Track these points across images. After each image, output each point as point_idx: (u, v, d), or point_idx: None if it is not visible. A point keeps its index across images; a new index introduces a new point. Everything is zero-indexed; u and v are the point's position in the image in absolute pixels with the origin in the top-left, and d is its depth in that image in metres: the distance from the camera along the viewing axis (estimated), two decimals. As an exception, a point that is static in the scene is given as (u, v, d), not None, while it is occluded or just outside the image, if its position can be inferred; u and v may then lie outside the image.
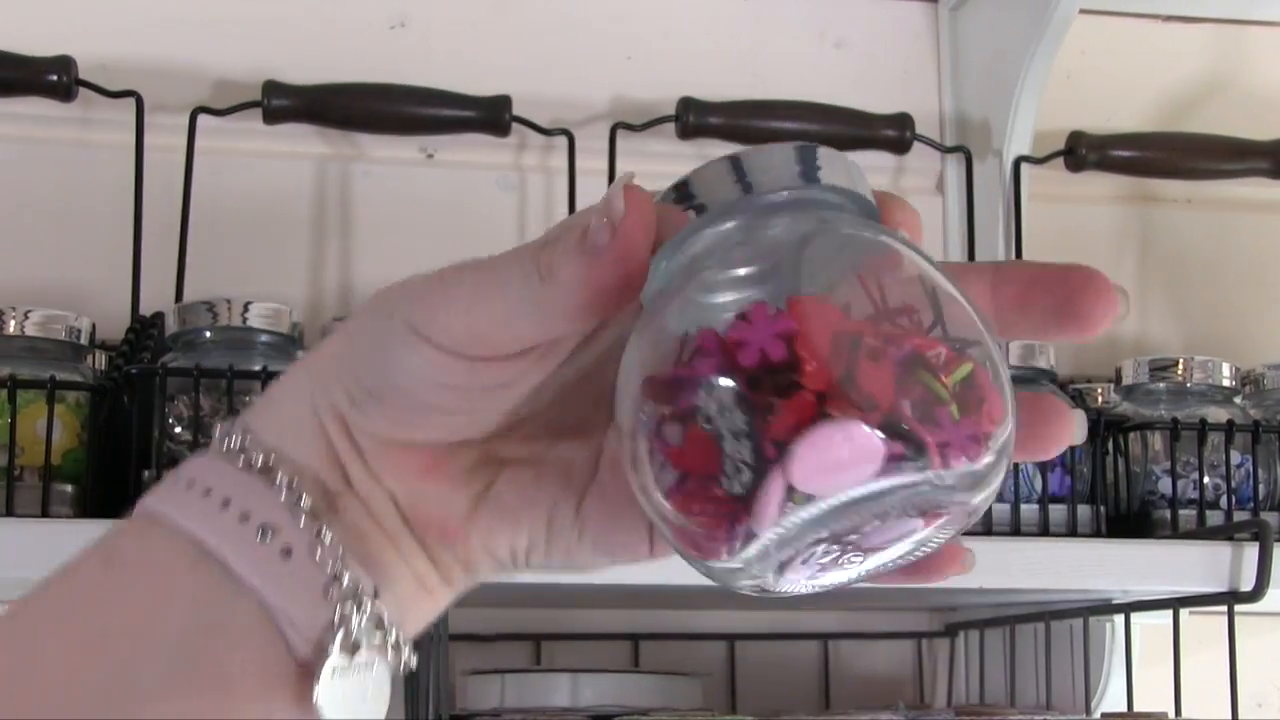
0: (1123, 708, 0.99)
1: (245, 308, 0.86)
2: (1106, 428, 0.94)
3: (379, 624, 0.40)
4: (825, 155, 0.37)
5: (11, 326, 0.85)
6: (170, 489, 0.39)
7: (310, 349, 0.44)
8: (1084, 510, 0.92)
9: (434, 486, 0.41)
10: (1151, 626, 1.00)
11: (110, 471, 0.84)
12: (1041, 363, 0.95)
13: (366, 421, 0.39)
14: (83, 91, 1.03)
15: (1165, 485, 0.95)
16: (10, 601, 0.39)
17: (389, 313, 0.39)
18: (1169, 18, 1.28)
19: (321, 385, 0.40)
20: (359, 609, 0.39)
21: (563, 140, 1.09)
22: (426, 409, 0.39)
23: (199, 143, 1.04)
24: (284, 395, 0.40)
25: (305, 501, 0.39)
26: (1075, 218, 1.24)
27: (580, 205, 1.07)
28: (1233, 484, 0.95)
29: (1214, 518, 0.94)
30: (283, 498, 0.38)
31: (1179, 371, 0.97)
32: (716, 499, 0.35)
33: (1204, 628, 0.98)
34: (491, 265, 0.38)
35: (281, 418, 0.40)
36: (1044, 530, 0.91)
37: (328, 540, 0.38)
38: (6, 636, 0.37)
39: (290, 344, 0.88)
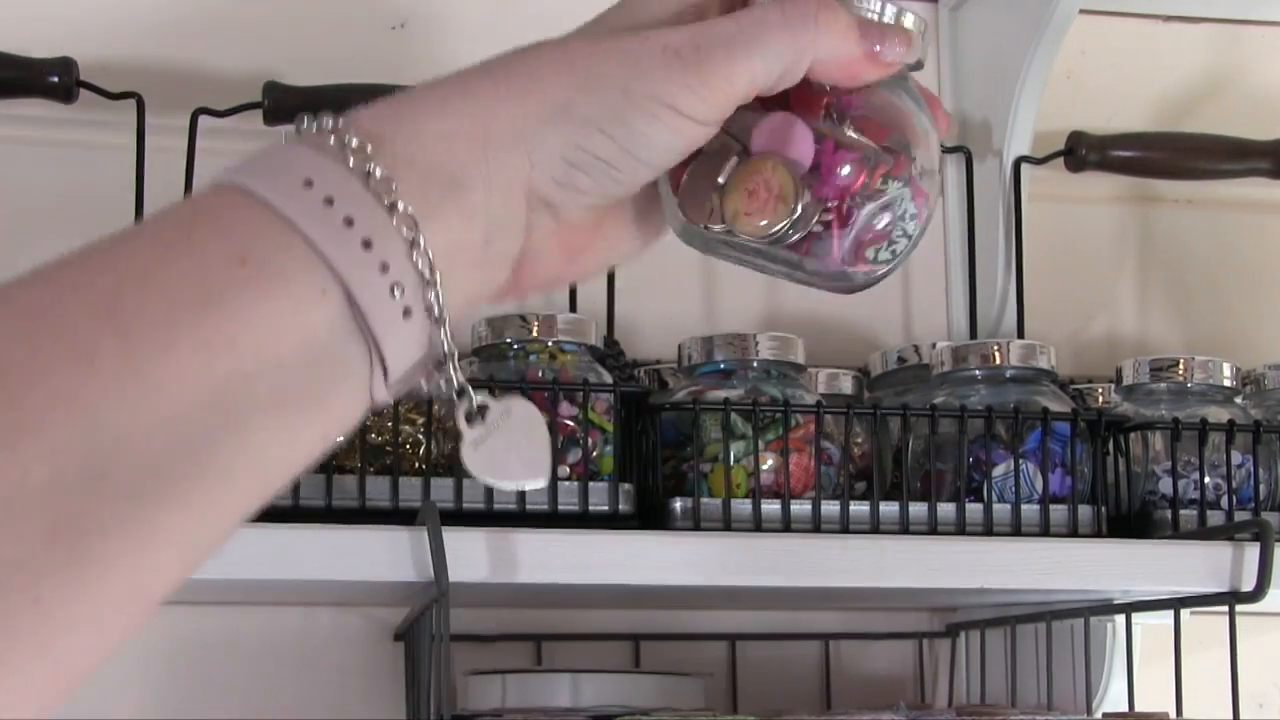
0: (1124, 708, 0.99)
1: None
2: (1107, 428, 0.94)
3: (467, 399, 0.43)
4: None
5: (12, 328, 0.86)
6: (293, 193, 0.39)
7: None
8: (1085, 510, 0.92)
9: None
10: (1152, 626, 1.00)
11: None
12: (1042, 363, 0.95)
13: (561, 189, 0.43)
14: (83, 93, 1.03)
15: (1166, 485, 0.95)
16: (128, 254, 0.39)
17: (622, 88, 0.43)
18: (1169, 18, 1.28)
19: (513, 144, 0.42)
20: (459, 393, 0.42)
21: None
22: (643, 174, 0.44)
23: (200, 144, 1.04)
24: (438, 137, 0.42)
25: (424, 264, 0.40)
26: (1075, 218, 1.24)
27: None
28: (1234, 484, 0.95)
29: (1215, 518, 0.94)
30: (408, 256, 0.40)
31: (1180, 371, 0.98)
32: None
33: (1205, 628, 0.98)
34: (735, 33, 0.44)
35: (432, 162, 0.41)
36: (1045, 530, 0.91)
37: (437, 309, 0.40)
38: (135, 306, 0.37)
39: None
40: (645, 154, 0.44)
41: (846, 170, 0.49)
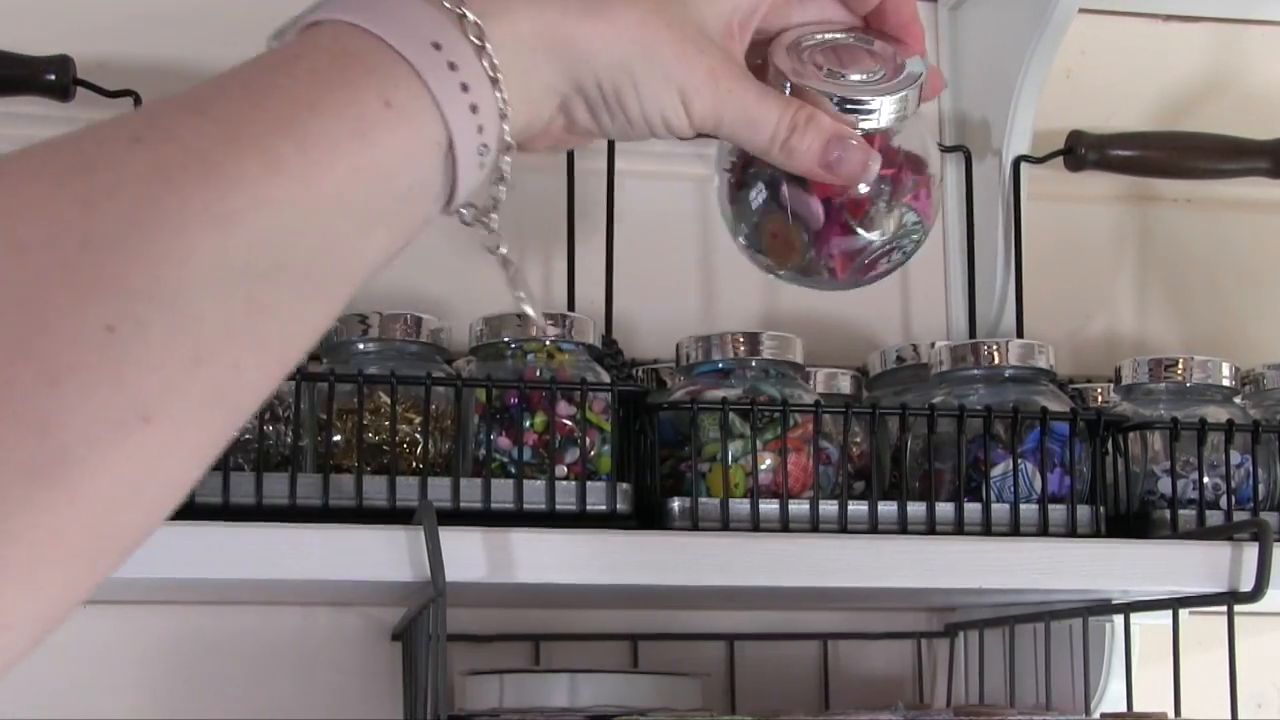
0: (1122, 708, 0.99)
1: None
2: (1106, 427, 0.94)
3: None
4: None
5: (9, 327, 0.85)
6: (433, 64, 0.48)
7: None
8: (1083, 510, 0.92)
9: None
10: (1151, 626, 1.00)
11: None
12: (1041, 362, 0.95)
13: (587, 114, 0.56)
14: (81, 91, 1.03)
15: (1165, 485, 0.94)
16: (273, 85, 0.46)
17: (664, 75, 0.55)
18: (1169, 17, 1.28)
19: (578, 71, 0.54)
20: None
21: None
22: (637, 136, 0.57)
23: (197, 142, 1.04)
24: (524, 41, 0.52)
25: (508, 130, 0.51)
26: (1075, 217, 1.24)
27: (579, 205, 1.07)
28: (1232, 484, 0.94)
29: (1214, 518, 0.94)
30: (500, 98, 0.50)
31: (1179, 371, 0.97)
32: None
33: (1204, 628, 0.98)
34: (750, 101, 0.57)
35: (517, 53, 0.52)
36: (1043, 530, 0.91)
37: (504, 108, 0.51)
38: (306, 128, 0.45)
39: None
40: (651, 123, 0.56)
41: (848, 241, 0.62)
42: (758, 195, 0.63)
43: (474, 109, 0.50)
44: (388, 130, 0.47)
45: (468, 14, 0.50)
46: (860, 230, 0.62)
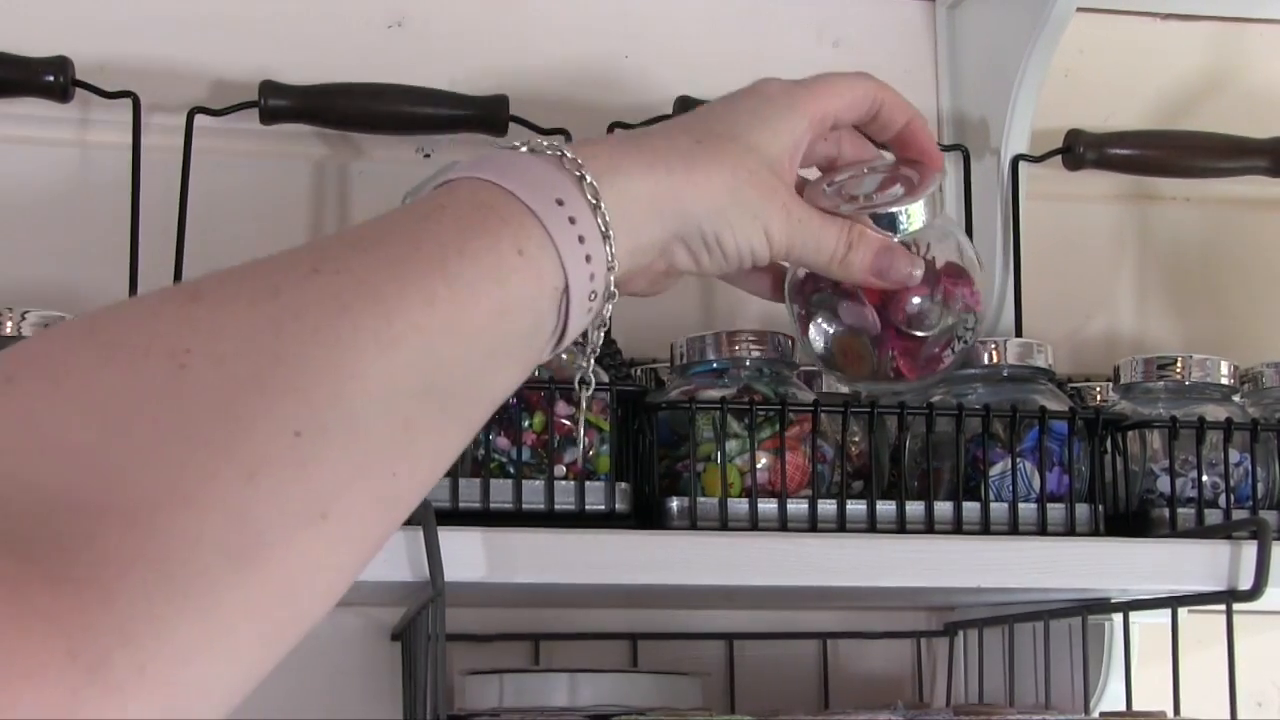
0: (1121, 707, 0.99)
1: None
2: (1105, 426, 0.94)
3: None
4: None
5: (9, 327, 0.86)
6: (557, 219, 0.55)
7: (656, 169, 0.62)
8: (1082, 509, 0.92)
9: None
10: (1150, 625, 1.00)
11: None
12: (1040, 361, 0.95)
13: (686, 256, 0.63)
14: (80, 92, 1.03)
15: (1164, 484, 0.94)
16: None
17: (753, 215, 0.64)
18: (1167, 16, 1.28)
19: (681, 225, 0.62)
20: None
21: (560, 139, 1.09)
22: (732, 267, 0.65)
23: (196, 143, 1.04)
24: (635, 201, 0.59)
25: (613, 280, 0.58)
26: (1073, 216, 1.24)
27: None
28: (1231, 482, 0.94)
29: (1212, 516, 0.94)
30: (609, 250, 0.57)
31: (1177, 370, 0.97)
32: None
33: (1203, 627, 0.98)
34: (815, 226, 0.66)
35: (628, 211, 0.59)
36: (1042, 529, 0.91)
37: (612, 261, 0.58)
38: (456, 270, 0.51)
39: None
40: (742, 256, 0.65)
41: (905, 343, 0.72)
42: (824, 320, 0.73)
43: (588, 259, 0.56)
44: (519, 277, 0.53)
45: (586, 175, 0.57)
46: (914, 330, 0.72)
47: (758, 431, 0.87)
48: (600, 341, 0.61)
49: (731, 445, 0.87)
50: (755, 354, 0.91)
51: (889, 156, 0.75)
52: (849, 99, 0.70)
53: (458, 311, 0.50)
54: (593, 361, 0.63)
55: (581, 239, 0.56)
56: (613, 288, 0.58)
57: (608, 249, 0.57)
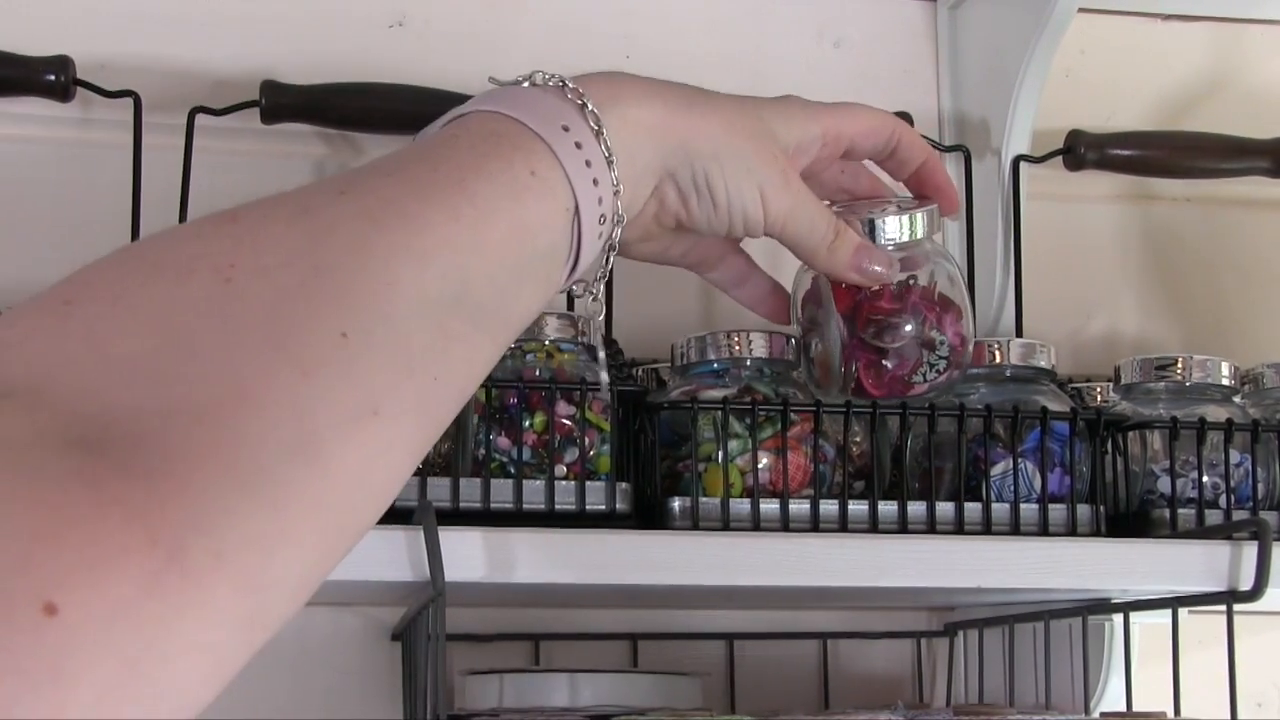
0: (1122, 707, 0.99)
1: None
2: (1105, 427, 0.94)
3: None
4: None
5: (9, 326, 0.85)
6: (564, 143, 0.58)
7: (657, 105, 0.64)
8: (1083, 510, 0.92)
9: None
10: (1150, 626, 1.00)
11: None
12: (1042, 361, 0.95)
13: (676, 198, 0.66)
14: (81, 91, 1.03)
15: (1164, 484, 0.94)
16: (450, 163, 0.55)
17: (748, 169, 0.66)
18: (1168, 16, 1.28)
19: (674, 158, 0.64)
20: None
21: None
22: (719, 226, 0.68)
23: (197, 142, 1.04)
24: (633, 127, 0.62)
25: (620, 205, 0.61)
26: (1074, 217, 1.24)
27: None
28: (1232, 483, 0.94)
29: (1213, 517, 0.94)
30: (614, 174, 0.60)
31: (1178, 370, 0.97)
32: None
33: (1203, 627, 0.98)
34: (812, 206, 0.69)
35: (626, 138, 0.61)
36: (1043, 530, 0.91)
37: (619, 206, 0.61)
38: (475, 189, 0.54)
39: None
40: (732, 211, 0.67)
41: (869, 358, 0.74)
42: (810, 336, 0.77)
43: (595, 183, 0.59)
44: (534, 196, 0.56)
45: (588, 104, 0.60)
46: (877, 342, 0.74)
47: (759, 431, 0.87)
48: (609, 268, 0.63)
49: (733, 445, 0.87)
50: (756, 354, 0.91)
51: (906, 194, 0.77)
52: (866, 126, 0.73)
53: (481, 226, 0.53)
54: (601, 288, 0.65)
55: (588, 163, 0.59)
56: (620, 210, 0.61)
57: (612, 173, 0.60)
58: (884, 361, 0.74)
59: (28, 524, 0.36)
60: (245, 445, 0.42)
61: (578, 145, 0.59)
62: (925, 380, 0.74)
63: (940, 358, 0.74)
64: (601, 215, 0.60)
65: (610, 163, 0.60)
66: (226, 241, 0.48)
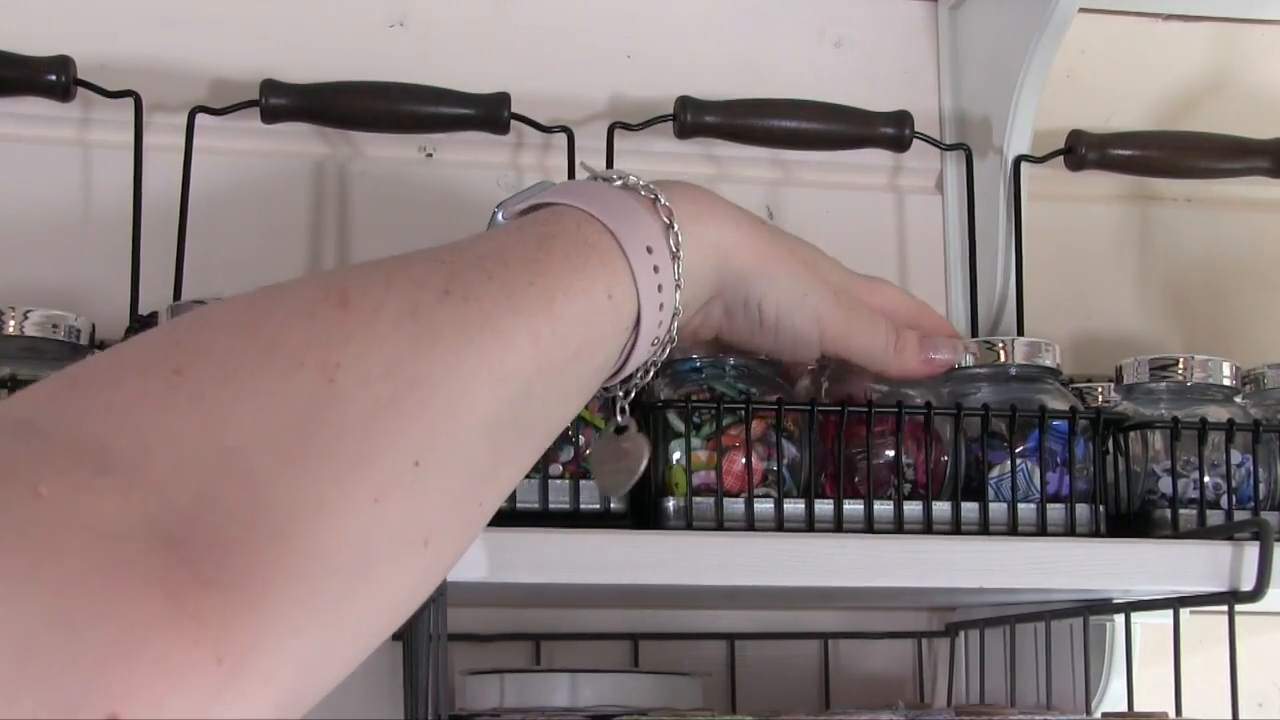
0: (1123, 707, 0.99)
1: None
2: (1106, 427, 0.94)
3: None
4: None
5: (11, 327, 0.85)
6: (644, 267, 0.59)
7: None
8: (1084, 510, 0.91)
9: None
10: (1152, 626, 1.00)
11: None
12: (1047, 360, 0.95)
13: (718, 316, 0.69)
14: (81, 91, 1.03)
15: (1165, 484, 0.94)
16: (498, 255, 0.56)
17: (803, 293, 0.69)
18: (1169, 16, 1.28)
19: (730, 279, 0.66)
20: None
21: (561, 139, 1.09)
22: (777, 348, 0.72)
23: (197, 142, 1.04)
24: (703, 250, 0.63)
25: (676, 327, 0.62)
26: (1075, 217, 1.24)
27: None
28: (1233, 483, 0.94)
29: (1214, 517, 0.94)
30: (677, 299, 0.61)
31: (1179, 370, 0.97)
32: None
33: (1204, 627, 0.98)
34: (868, 316, 0.73)
35: (695, 260, 0.62)
36: (1043, 530, 0.91)
37: (675, 328, 0.62)
38: (556, 315, 0.55)
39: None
40: (783, 331, 0.70)
41: None
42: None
43: (660, 307, 0.60)
44: (606, 320, 0.57)
45: (674, 225, 0.60)
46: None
47: (704, 429, 0.86)
48: (645, 382, 0.64)
49: (694, 443, 0.87)
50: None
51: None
52: (895, 306, 0.77)
53: (554, 352, 0.54)
54: (629, 403, 0.66)
55: (660, 288, 0.59)
56: (674, 334, 0.61)
57: (677, 297, 0.60)
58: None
59: (109, 634, 0.37)
60: (313, 566, 0.43)
61: (655, 270, 0.59)
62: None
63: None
64: (656, 338, 0.60)
65: (678, 287, 0.60)
66: (336, 334, 0.47)
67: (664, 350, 0.62)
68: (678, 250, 0.60)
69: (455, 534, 0.50)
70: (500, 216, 0.64)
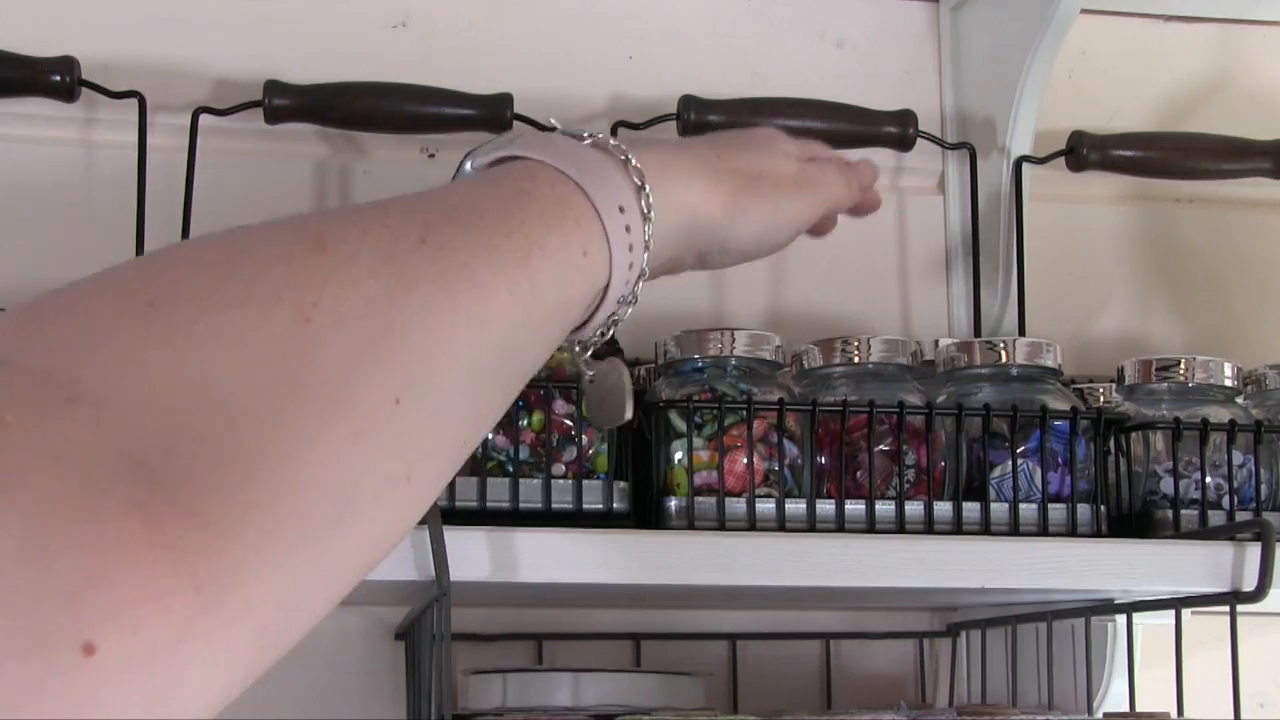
0: (1125, 707, 0.99)
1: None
2: (1108, 427, 0.94)
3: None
4: None
5: (13, 326, 0.85)
6: (617, 227, 0.59)
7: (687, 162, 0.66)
8: (1085, 510, 0.92)
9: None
10: (1154, 626, 1.00)
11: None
12: (1048, 361, 0.95)
13: (690, 261, 0.68)
14: (85, 92, 1.03)
15: (1167, 485, 0.94)
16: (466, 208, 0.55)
17: (781, 220, 0.70)
18: (1170, 17, 1.28)
19: (701, 235, 0.66)
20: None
21: (616, 135, 1.09)
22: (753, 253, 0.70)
23: (201, 142, 1.04)
24: (675, 213, 0.64)
25: (639, 285, 0.61)
26: (1077, 218, 1.24)
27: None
28: (1235, 484, 0.94)
29: (1216, 518, 0.94)
30: (645, 259, 0.61)
31: (1181, 371, 0.97)
32: None
33: (1206, 628, 0.98)
34: (824, 187, 0.74)
35: (667, 222, 0.62)
36: (1045, 530, 0.91)
37: (639, 288, 0.62)
38: (536, 262, 0.55)
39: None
40: (755, 255, 0.70)
41: None
42: None
43: (630, 266, 0.60)
44: (580, 277, 0.58)
45: (646, 186, 0.61)
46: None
47: (706, 429, 0.87)
48: (608, 336, 0.65)
49: (696, 442, 0.87)
50: (736, 352, 0.90)
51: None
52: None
53: (532, 304, 0.55)
54: (590, 355, 0.66)
55: (630, 247, 0.60)
56: (637, 293, 0.62)
57: (645, 257, 0.61)
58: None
59: (83, 561, 0.37)
60: (292, 501, 0.43)
61: (627, 229, 0.60)
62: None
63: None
64: (623, 296, 0.61)
65: (647, 248, 0.61)
66: (314, 276, 0.48)
67: (628, 307, 0.62)
68: (648, 212, 0.61)
69: (435, 471, 0.50)
70: (469, 166, 0.64)
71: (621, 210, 0.59)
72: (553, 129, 0.64)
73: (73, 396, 0.40)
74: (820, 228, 0.77)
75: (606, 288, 0.59)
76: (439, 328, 0.50)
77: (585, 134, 0.62)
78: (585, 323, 0.61)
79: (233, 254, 0.48)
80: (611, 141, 0.62)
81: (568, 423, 0.87)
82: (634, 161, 0.61)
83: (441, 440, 0.50)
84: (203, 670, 0.40)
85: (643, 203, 0.60)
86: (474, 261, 0.53)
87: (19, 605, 0.36)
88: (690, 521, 0.86)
